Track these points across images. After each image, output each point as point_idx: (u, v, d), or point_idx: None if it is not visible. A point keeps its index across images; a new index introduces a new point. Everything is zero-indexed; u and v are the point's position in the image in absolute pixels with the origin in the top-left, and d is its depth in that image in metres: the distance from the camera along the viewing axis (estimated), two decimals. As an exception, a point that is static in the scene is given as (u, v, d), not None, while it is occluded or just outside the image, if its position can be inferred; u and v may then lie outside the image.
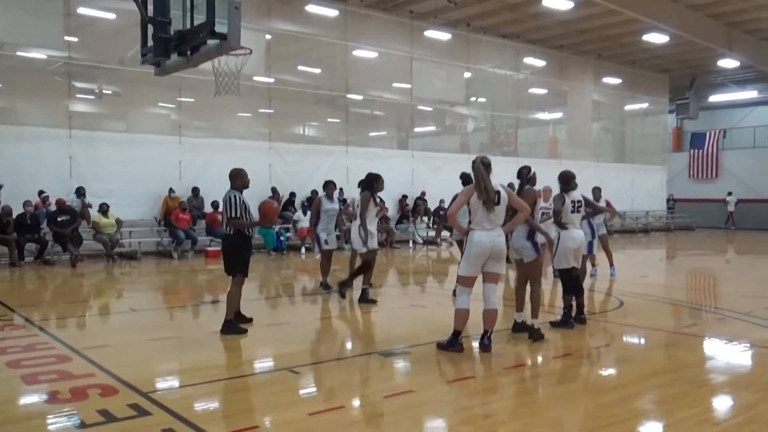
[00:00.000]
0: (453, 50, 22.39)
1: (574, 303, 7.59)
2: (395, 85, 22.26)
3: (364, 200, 9.26)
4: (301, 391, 5.21)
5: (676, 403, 4.85)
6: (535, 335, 6.90)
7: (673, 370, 5.81)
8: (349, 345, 6.78)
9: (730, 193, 29.68)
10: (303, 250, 17.15)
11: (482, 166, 6.26)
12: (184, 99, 17.05)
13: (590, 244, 10.33)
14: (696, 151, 32.18)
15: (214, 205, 16.39)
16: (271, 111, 18.91)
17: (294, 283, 12.29)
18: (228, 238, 7.26)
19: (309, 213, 14.35)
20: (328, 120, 22.30)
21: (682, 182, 31.70)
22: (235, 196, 7.20)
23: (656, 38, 23.51)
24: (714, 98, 31.98)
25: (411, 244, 19.83)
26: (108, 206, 14.77)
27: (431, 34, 21.38)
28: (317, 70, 20.88)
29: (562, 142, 27.19)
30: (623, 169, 28.27)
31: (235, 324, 7.27)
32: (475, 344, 6.40)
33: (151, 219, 16.28)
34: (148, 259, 15.36)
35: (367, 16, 20.05)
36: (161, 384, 5.36)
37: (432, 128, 28.36)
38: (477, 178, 6.25)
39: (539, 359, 6.21)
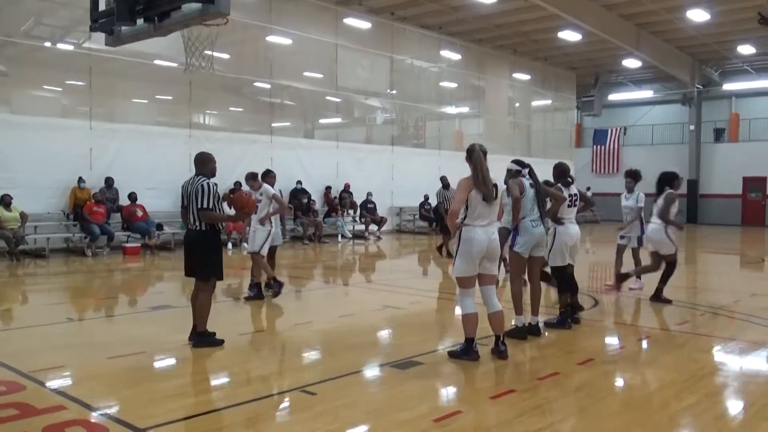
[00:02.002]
0: (376, 39, 21.78)
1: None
2: (309, 74, 21.32)
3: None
4: (331, 419, 4.42)
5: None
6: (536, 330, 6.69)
7: (710, 374, 5.53)
8: (352, 356, 6.01)
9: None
10: (230, 246, 16.00)
11: (482, 155, 5.73)
12: (96, 79, 15.37)
13: (639, 239, 9.91)
14: (598, 147, 33.43)
15: (132, 197, 14.94)
16: (190, 97, 17.50)
17: (236, 283, 11.22)
18: (200, 236, 6.27)
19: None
20: (251, 107, 21.11)
21: (586, 176, 32.79)
22: (208, 184, 6.20)
23: (570, 36, 24.03)
24: (613, 97, 33.32)
25: (340, 239, 19.09)
26: (11, 198, 13.04)
27: (353, 22, 20.64)
28: (231, 56, 19.58)
29: (479, 136, 27.27)
30: (537, 163, 28.59)
31: (209, 335, 6.34)
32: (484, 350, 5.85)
33: (58, 213, 14.55)
34: (56, 257, 13.73)
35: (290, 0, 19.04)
36: (160, 417, 4.40)
37: (338, 120, 27.77)
38: (476, 169, 5.70)
39: (567, 366, 5.74)
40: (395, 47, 22.41)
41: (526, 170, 6.74)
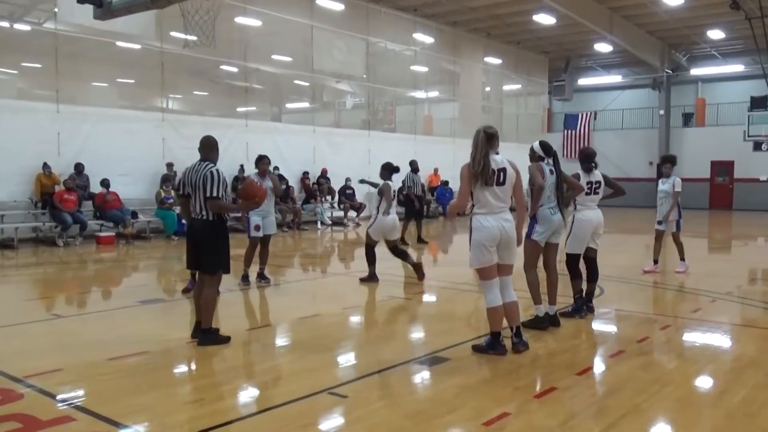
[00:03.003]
0: (351, 21, 21.24)
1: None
2: (282, 57, 20.71)
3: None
4: (372, 425, 4.06)
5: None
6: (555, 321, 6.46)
7: (746, 365, 5.34)
8: (372, 353, 5.63)
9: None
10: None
11: (484, 136, 5.33)
12: (62, 60, 14.55)
13: (678, 223, 10.03)
14: (569, 131, 33.51)
15: (105, 183, 14.23)
16: (162, 80, 16.74)
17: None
18: (209, 226, 5.81)
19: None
20: (224, 91, 20.41)
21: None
22: (217, 171, 5.76)
23: (544, 19, 23.88)
24: (582, 81, 33.40)
25: (319, 225, 18.63)
26: (-26, 186, 12.31)
27: (327, 3, 20.04)
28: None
29: (454, 120, 27.02)
30: (509, 148, 28.64)
31: (215, 333, 5.91)
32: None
33: (26, 201, 13.78)
34: (25, 248, 13.01)
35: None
36: (185, 426, 3.98)
37: (307, 104, 27.25)
38: (474, 149, 5.32)
39: (600, 359, 5.48)
40: (371, 30, 21.91)
41: (550, 159, 6.43)
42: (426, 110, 28.63)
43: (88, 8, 8.07)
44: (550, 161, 6.47)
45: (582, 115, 33.42)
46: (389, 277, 9.42)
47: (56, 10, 14.31)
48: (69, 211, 13.26)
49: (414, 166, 15.05)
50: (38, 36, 14.92)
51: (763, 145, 26.97)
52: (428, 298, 8.61)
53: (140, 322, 6.90)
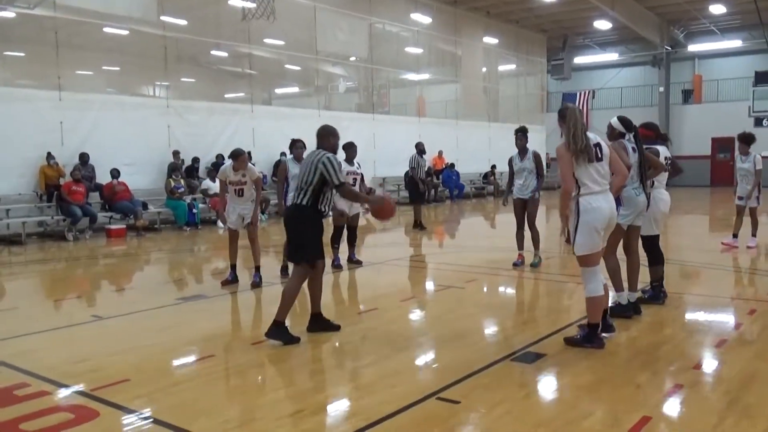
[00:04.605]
0: (354, 2, 20.60)
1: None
2: (272, 41, 20.03)
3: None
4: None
5: None
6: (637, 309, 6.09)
7: None
8: (460, 351, 5.14)
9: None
10: (220, 223, 14.86)
11: (578, 114, 5.04)
12: (63, 47, 13.82)
13: (758, 198, 10.32)
14: (568, 111, 33.09)
15: (114, 173, 13.60)
16: (166, 65, 16.04)
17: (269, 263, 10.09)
18: (304, 211, 5.37)
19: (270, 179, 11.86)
20: (228, 76, 19.75)
21: (555, 141, 32.44)
22: (335, 158, 5.43)
23: (546, -6, 23.41)
24: (578, 60, 33.02)
25: (330, 212, 18.07)
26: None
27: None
28: (207, 22, 18.11)
29: (458, 102, 26.51)
30: (509, 129, 28.13)
31: (285, 329, 5.39)
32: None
33: (30, 193, 13.11)
34: (32, 244, 12.38)
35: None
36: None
37: (295, 89, 26.65)
38: (569, 131, 4.95)
39: (709, 351, 5.08)
40: (372, 10, 21.28)
41: (632, 134, 5.98)
42: (427, 92, 28.08)
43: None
44: (632, 137, 6.03)
45: (580, 93, 33.01)
46: (434, 266, 8.99)
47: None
48: (78, 204, 12.63)
49: (420, 148, 14.53)
50: (36, 21, 14.16)
51: (764, 121, 26.80)
52: (482, 286, 8.18)
53: (190, 321, 6.39)
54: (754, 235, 10.34)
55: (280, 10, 18.46)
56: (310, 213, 5.38)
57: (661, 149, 6.54)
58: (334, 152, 5.56)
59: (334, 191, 5.45)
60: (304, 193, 5.38)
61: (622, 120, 6.07)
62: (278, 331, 5.34)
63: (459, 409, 4.00)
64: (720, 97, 30.22)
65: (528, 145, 8.75)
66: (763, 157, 10.25)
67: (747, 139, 10.05)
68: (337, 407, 4.19)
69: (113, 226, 13.18)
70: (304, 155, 6.20)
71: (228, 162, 8.04)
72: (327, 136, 5.60)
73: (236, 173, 7.70)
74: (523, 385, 4.46)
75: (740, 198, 10.36)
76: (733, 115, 28.19)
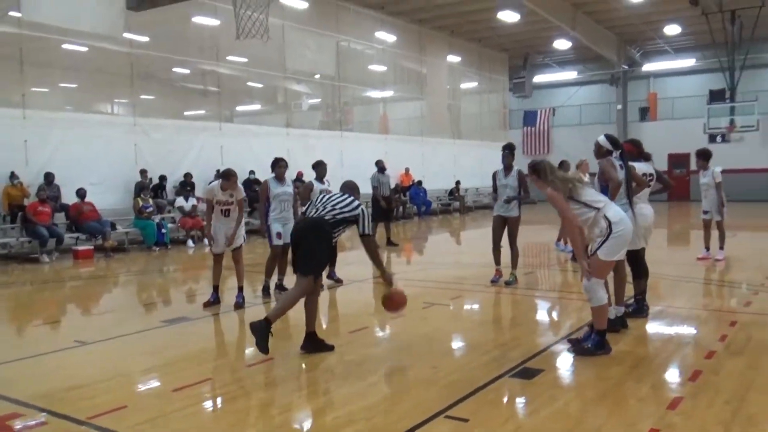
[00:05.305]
0: (320, 18, 20.65)
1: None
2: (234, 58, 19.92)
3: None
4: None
5: None
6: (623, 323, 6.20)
7: None
8: (456, 368, 5.15)
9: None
10: (190, 243, 14.63)
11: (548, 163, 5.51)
12: (27, 65, 13.49)
13: (721, 211, 10.51)
14: (529, 128, 33.72)
15: (80, 193, 13.28)
16: (132, 82, 15.77)
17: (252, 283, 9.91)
18: (325, 226, 5.44)
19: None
20: (197, 93, 19.53)
21: (518, 158, 32.95)
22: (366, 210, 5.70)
23: (509, 16, 23.78)
24: (538, 78, 33.68)
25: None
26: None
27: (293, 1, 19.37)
28: (173, 38, 17.89)
29: (423, 119, 26.72)
30: (472, 146, 28.60)
31: (268, 331, 5.21)
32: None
33: (-6, 215, 12.75)
34: (-3, 266, 11.98)
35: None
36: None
37: (257, 106, 26.55)
38: (550, 178, 5.29)
39: (701, 362, 5.19)
40: (340, 28, 21.38)
41: (618, 152, 6.13)
42: (392, 109, 28.26)
43: (53, 7, 7.19)
44: (618, 155, 6.18)
45: (541, 111, 33.70)
46: (411, 283, 9.01)
47: (19, 14, 13.20)
48: (44, 225, 12.29)
49: (380, 166, 14.48)
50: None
51: (717, 138, 27.70)
52: (466, 303, 8.24)
53: (178, 345, 6.25)
54: (721, 248, 10.60)
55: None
56: (329, 230, 5.44)
57: (640, 165, 6.70)
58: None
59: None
60: (332, 216, 5.45)
61: (609, 138, 6.23)
62: (261, 326, 5.20)
63: (468, 426, 4.00)
64: (675, 114, 31.13)
65: (513, 163, 8.84)
66: (721, 172, 10.56)
67: (705, 155, 10.38)
68: (349, 428, 4.14)
69: (80, 247, 12.84)
70: (334, 186, 6.21)
71: (216, 182, 7.92)
72: (356, 190, 5.85)
73: (224, 193, 7.60)
74: (530, 402, 4.48)
75: (705, 212, 10.65)
76: (688, 132, 29.06)
